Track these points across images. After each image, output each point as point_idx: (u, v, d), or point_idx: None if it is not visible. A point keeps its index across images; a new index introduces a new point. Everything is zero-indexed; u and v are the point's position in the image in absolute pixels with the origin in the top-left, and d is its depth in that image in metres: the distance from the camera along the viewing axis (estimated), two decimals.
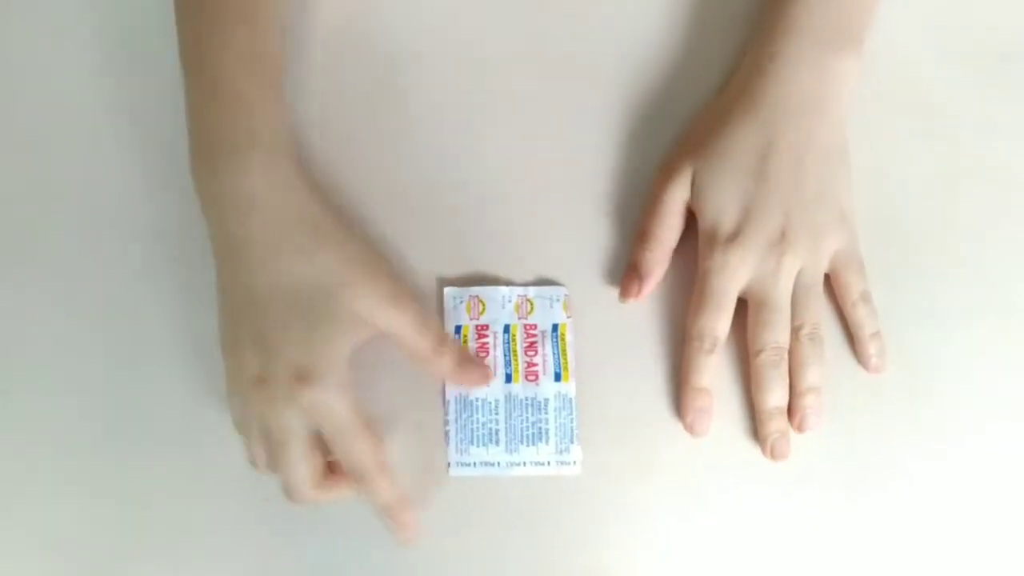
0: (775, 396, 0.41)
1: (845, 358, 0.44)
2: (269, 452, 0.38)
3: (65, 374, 0.43)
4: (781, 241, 0.40)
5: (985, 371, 0.44)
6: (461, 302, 0.44)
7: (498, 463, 0.42)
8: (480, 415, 0.42)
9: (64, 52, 0.46)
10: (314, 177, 0.41)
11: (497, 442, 0.42)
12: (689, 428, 0.41)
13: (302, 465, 0.37)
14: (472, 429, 0.42)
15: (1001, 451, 0.43)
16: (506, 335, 0.43)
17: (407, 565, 0.42)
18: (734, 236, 0.40)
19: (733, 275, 0.40)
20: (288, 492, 0.38)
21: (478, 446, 0.42)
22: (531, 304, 0.44)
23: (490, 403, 0.42)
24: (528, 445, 0.42)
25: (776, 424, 0.41)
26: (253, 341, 0.37)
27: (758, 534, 0.42)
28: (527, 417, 0.42)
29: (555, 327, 0.43)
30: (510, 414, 0.42)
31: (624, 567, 0.42)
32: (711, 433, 0.42)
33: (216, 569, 0.42)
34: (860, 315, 0.42)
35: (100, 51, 0.46)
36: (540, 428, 0.42)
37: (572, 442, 0.42)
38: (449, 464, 0.42)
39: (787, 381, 0.41)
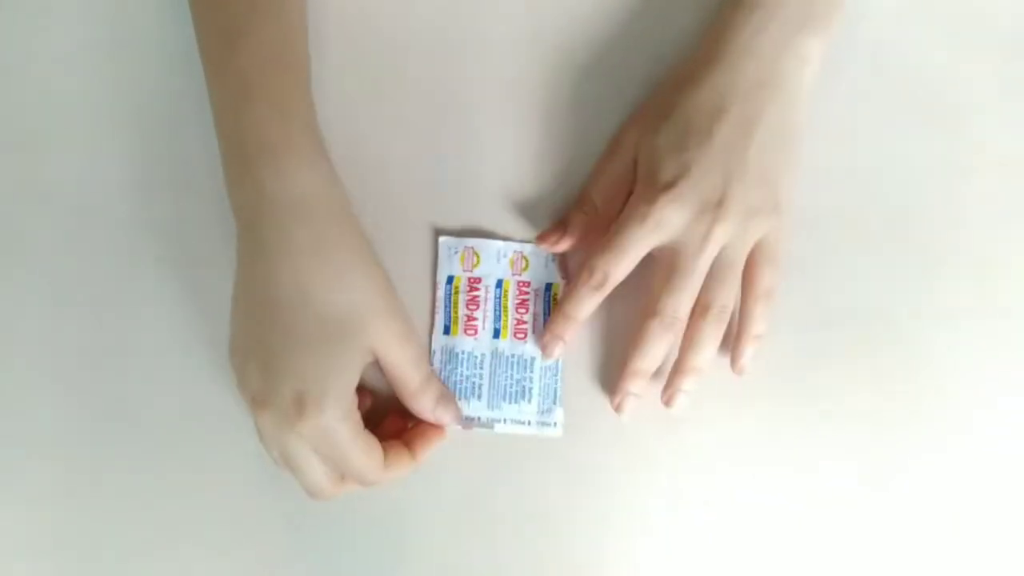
0: (649, 360, 0.40)
1: (848, 353, 0.44)
2: (281, 459, 0.38)
3: (60, 373, 0.43)
4: (717, 207, 0.38)
5: (991, 365, 0.44)
6: (455, 252, 0.43)
7: (478, 418, 0.42)
8: (464, 368, 0.42)
9: (57, 50, 0.45)
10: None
11: (479, 396, 0.42)
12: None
13: (314, 473, 0.37)
14: (455, 381, 0.42)
15: (1003, 446, 0.43)
16: (498, 289, 0.43)
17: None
18: (670, 186, 0.38)
19: (656, 227, 0.38)
20: (308, 494, 0.39)
21: (460, 399, 0.42)
22: (526, 261, 0.43)
23: (476, 357, 0.42)
24: (510, 403, 0.42)
25: (636, 385, 0.40)
26: (259, 357, 0.36)
27: (739, 506, 0.43)
28: (511, 375, 0.42)
29: (548, 287, 0.43)
30: (495, 370, 0.42)
31: (599, 534, 0.43)
32: (696, 407, 0.42)
33: (218, 568, 0.43)
34: (757, 312, 0.41)
35: (94, 49, 0.45)
36: (524, 387, 0.42)
37: (555, 404, 0.42)
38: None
39: (669, 349, 0.40)
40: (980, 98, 0.45)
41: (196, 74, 0.41)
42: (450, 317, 0.43)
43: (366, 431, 0.38)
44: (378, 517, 0.42)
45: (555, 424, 0.42)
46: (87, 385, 0.43)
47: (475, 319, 0.43)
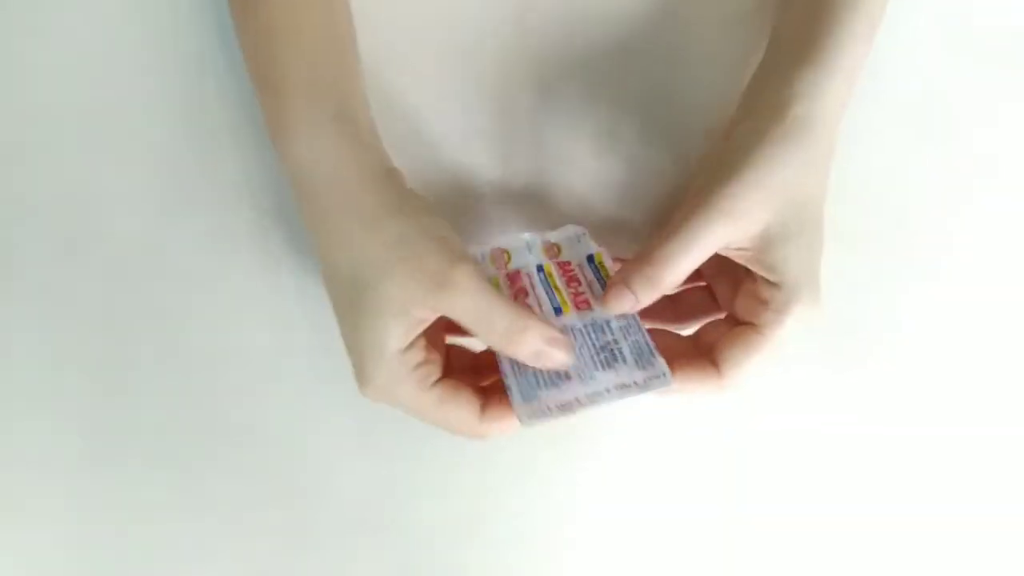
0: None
1: (839, 359, 0.44)
2: None
3: (54, 388, 0.44)
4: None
5: (988, 371, 0.44)
6: (484, 257, 0.41)
7: (576, 399, 0.36)
8: None
9: (45, 54, 0.45)
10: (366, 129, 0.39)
11: (567, 377, 0.36)
12: None
13: (443, 423, 0.37)
14: (535, 374, 0.36)
15: (1001, 452, 0.44)
16: (541, 274, 0.40)
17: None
18: (809, 301, 0.37)
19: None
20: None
21: (548, 388, 0.36)
22: (558, 247, 0.41)
23: None
24: (605, 370, 0.36)
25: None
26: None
27: (734, 509, 0.44)
28: (592, 343, 0.37)
29: (590, 257, 0.41)
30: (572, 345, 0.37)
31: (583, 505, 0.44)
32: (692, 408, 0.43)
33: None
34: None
35: (86, 52, 0.45)
36: (611, 350, 0.37)
37: (653, 355, 0.37)
38: (519, 418, 0.36)
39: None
40: (974, 107, 0.45)
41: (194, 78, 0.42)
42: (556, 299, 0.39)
43: (443, 385, 0.36)
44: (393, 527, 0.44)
45: (664, 375, 0.36)
46: (82, 401, 0.44)
47: (528, 307, 0.38)
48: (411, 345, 0.35)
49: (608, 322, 0.38)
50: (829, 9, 0.38)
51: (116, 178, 0.44)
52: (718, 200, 0.35)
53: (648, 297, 0.36)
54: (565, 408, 0.35)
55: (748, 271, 0.38)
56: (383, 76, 0.43)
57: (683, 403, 0.43)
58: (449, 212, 0.42)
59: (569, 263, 0.40)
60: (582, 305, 0.38)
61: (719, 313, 0.41)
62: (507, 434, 0.37)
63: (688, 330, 0.41)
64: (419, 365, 0.36)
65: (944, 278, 0.45)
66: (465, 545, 0.45)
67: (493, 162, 0.44)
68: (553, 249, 0.41)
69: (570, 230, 0.41)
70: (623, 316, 0.38)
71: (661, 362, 0.36)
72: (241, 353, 0.44)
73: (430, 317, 0.35)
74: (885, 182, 0.44)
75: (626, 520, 0.45)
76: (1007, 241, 0.45)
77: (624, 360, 0.37)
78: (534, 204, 0.44)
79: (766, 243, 0.36)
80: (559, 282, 0.39)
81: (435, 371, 0.37)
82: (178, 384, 0.44)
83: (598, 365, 0.36)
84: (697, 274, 0.39)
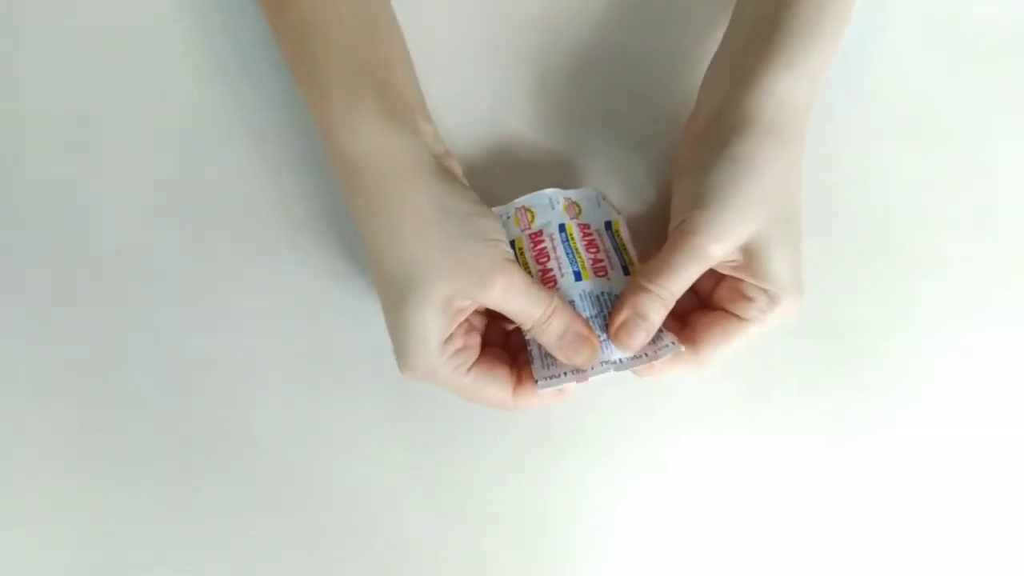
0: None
1: (831, 361, 0.44)
2: None
3: (45, 392, 0.44)
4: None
5: (973, 373, 0.44)
6: (508, 218, 0.41)
7: (591, 367, 0.38)
8: None
9: (33, 59, 0.45)
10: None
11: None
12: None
13: (479, 401, 0.39)
14: None
15: (987, 452, 0.44)
16: (563, 234, 0.41)
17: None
18: (794, 299, 0.38)
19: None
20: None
21: None
22: (578, 207, 0.42)
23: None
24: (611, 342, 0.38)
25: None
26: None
27: (722, 510, 0.44)
28: (607, 312, 0.39)
29: (608, 224, 0.42)
30: (590, 314, 0.39)
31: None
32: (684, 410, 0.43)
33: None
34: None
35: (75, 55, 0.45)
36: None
37: (660, 328, 0.38)
38: (537, 381, 0.38)
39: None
40: (959, 107, 0.45)
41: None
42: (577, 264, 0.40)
43: (479, 368, 0.39)
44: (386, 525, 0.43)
45: (672, 343, 0.38)
46: (73, 406, 0.43)
47: (550, 271, 0.40)
48: (451, 336, 0.37)
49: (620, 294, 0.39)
50: (795, 7, 0.38)
51: (105, 182, 0.44)
52: (698, 237, 0.36)
53: (659, 318, 0.38)
54: (579, 374, 0.37)
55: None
56: None
57: (681, 405, 0.44)
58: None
59: (588, 226, 0.41)
60: (600, 272, 0.40)
61: (696, 302, 0.42)
62: (538, 408, 0.39)
63: None
64: (458, 352, 0.38)
65: (930, 276, 0.45)
66: (459, 548, 0.44)
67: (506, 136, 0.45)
68: (574, 208, 0.42)
69: (590, 191, 0.42)
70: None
71: (668, 333, 0.38)
72: (232, 357, 0.44)
73: (473, 309, 0.38)
74: (867, 180, 0.45)
75: (623, 521, 0.44)
76: (989, 238, 0.45)
77: None
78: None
79: (751, 255, 0.37)
80: (579, 244, 0.40)
81: (472, 355, 0.39)
82: (169, 388, 0.44)
83: (606, 342, 0.38)
84: None
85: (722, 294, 0.40)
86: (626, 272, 0.40)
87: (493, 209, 0.40)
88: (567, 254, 0.40)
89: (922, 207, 0.45)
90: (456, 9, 0.45)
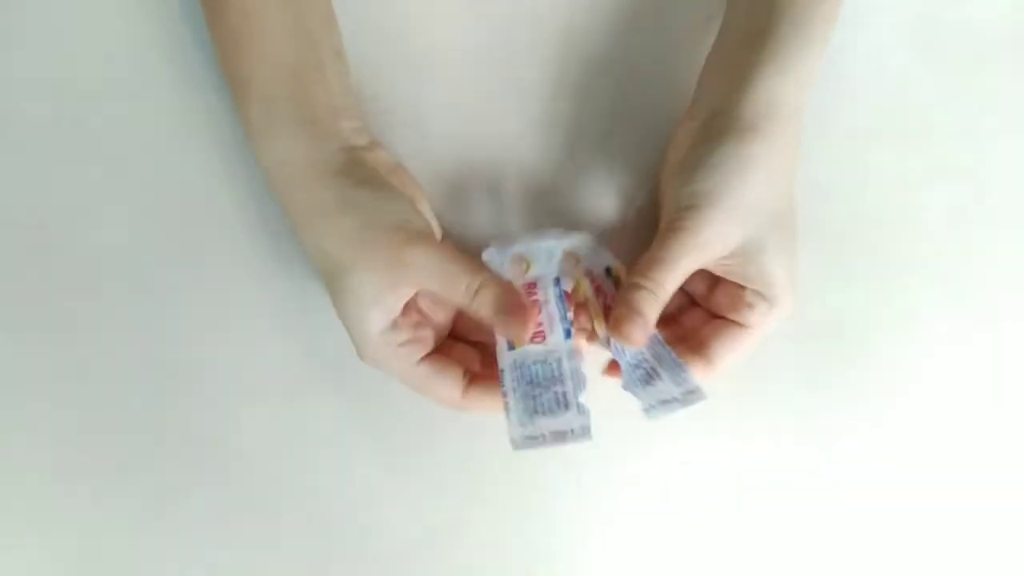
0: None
1: (816, 362, 0.45)
2: None
3: (31, 398, 0.43)
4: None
5: (958, 372, 0.45)
6: (503, 265, 0.40)
7: (571, 430, 0.36)
8: (541, 379, 0.37)
9: (18, 61, 0.44)
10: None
11: (566, 406, 0.37)
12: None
13: (427, 395, 0.40)
14: (534, 396, 0.37)
15: (976, 450, 0.45)
16: (557, 288, 0.40)
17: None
18: (784, 302, 0.39)
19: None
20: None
21: (543, 415, 0.37)
22: (576, 257, 0.41)
23: (550, 365, 0.38)
24: (644, 386, 0.38)
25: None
26: None
27: (710, 512, 0.45)
28: (628, 360, 0.38)
29: (608, 270, 0.41)
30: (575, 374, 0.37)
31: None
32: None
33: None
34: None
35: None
36: (644, 368, 0.38)
37: (684, 371, 0.38)
38: (512, 440, 0.36)
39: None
40: (943, 107, 0.45)
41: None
42: None
43: (430, 361, 0.39)
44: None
45: (698, 390, 0.37)
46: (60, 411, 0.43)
47: (540, 323, 0.39)
48: (395, 325, 0.38)
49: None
50: (786, 7, 0.38)
51: (91, 188, 0.44)
52: (687, 236, 0.37)
53: (655, 315, 0.37)
54: (558, 437, 0.36)
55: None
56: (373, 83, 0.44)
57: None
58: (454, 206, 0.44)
59: (592, 271, 0.41)
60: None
61: (694, 308, 0.42)
62: (488, 412, 0.40)
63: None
64: (405, 343, 0.38)
65: (915, 276, 0.45)
66: (451, 551, 0.44)
67: (495, 161, 0.45)
68: (571, 259, 0.41)
69: (585, 238, 0.41)
70: (651, 337, 0.38)
71: (692, 376, 0.37)
72: (216, 361, 0.44)
73: (403, 296, 0.38)
74: (851, 182, 0.45)
75: (618, 525, 0.45)
76: (973, 238, 0.45)
77: (660, 376, 0.38)
78: (537, 204, 0.45)
79: (745, 258, 0.38)
80: (590, 293, 0.40)
81: (422, 348, 0.39)
82: (155, 394, 0.43)
83: (636, 382, 0.37)
84: None
85: (722, 301, 0.40)
86: None
87: (485, 252, 0.41)
88: (560, 310, 0.39)
89: (906, 208, 0.45)
90: (450, 15, 0.45)
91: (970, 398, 0.45)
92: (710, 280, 0.41)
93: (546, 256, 0.40)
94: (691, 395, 0.37)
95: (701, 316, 0.41)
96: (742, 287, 0.39)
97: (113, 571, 0.43)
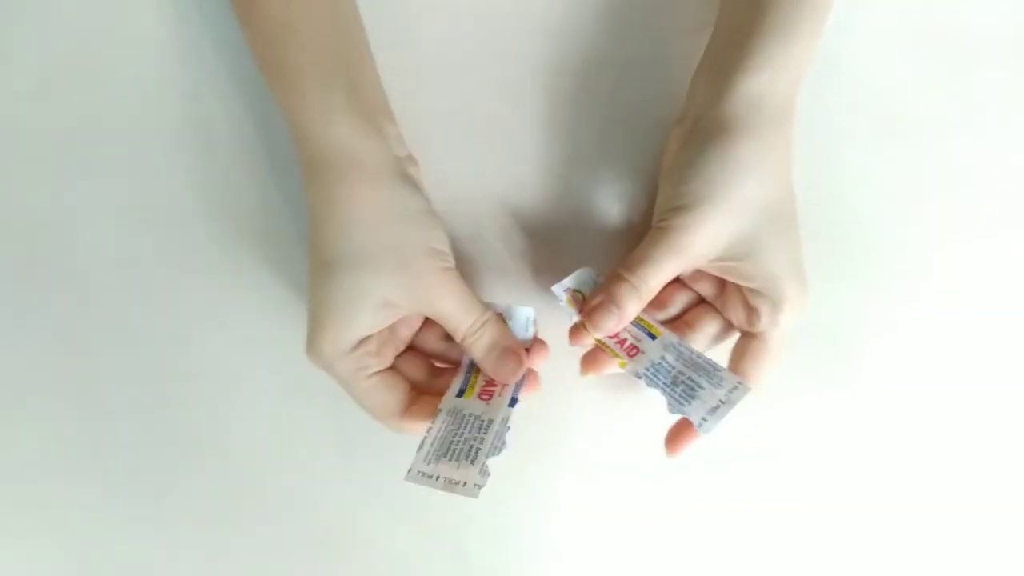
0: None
1: (813, 364, 0.45)
2: None
3: (24, 403, 0.44)
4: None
5: (949, 372, 0.45)
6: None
7: (464, 483, 0.36)
8: (466, 430, 0.38)
9: (8, 69, 0.45)
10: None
11: (473, 461, 0.36)
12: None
13: (365, 407, 0.40)
14: (451, 440, 0.37)
15: (970, 450, 0.45)
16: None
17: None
18: (797, 296, 0.38)
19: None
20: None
21: (447, 460, 0.37)
22: (581, 294, 0.41)
23: (482, 422, 0.38)
24: (689, 402, 0.37)
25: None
26: None
27: (701, 510, 0.45)
28: (662, 382, 0.38)
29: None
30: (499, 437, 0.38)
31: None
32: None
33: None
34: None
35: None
36: (682, 381, 0.38)
37: (718, 369, 0.38)
38: (409, 469, 0.37)
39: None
40: (939, 111, 0.46)
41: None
42: (467, 383, 0.41)
43: (380, 378, 0.39)
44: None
45: (740, 384, 0.38)
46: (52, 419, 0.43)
47: (493, 385, 0.40)
48: (371, 337, 0.38)
49: (663, 357, 0.39)
50: (775, 8, 0.38)
51: (82, 193, 0.44)
52: (674, 235, 0.37)
53: (634, 309, 0.38)
54: (449, 484, 0.36)
55: (736, 284, 0.39)
56: None
57: (663, 412, 0.43)
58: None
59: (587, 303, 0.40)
60: (632, 352, 0.40)
61: (732, 332, 0.41)
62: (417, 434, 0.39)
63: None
64: (368, 355, 0.39)
65: (909, 278, 0.46)
66: (440, 559, 0.44)
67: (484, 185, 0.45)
68: (577, 296, 0.41)
69: (584, 274, 0.41)
70: (670, 346, 0.39)
71: (728, 373, 0.38)
72: (213, 369, 0.44)
73: (400, 312, 0.38)
74: (844, 184, 0.45)
75: (607, 531, 0.45)
76: (968, 240, 0.46)
77: (699, 385, 0.38)
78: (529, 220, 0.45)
79: (741, 256, 0.37)
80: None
81: (378, 365, 0.39)
82: (150, 400, 0.44)
83: (681, 401, 0.37)
84: (700, 296, 0.42)
85: (735, 315, 0.40)
86: (652, 337, 0.40)
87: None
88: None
89: (899, 210, 0.45)
90: (447, 20, 0.45)
91: (969, 400, 0.45)
92: (717, 283, 0.41)
93: (524, 324, 0.41)
94: (736, 391, 0.37)
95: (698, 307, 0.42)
96: (746, 295, 0.39)
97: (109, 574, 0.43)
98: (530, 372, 0.41)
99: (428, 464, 0.37)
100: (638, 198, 0.45)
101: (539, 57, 0.45)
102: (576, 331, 0.40)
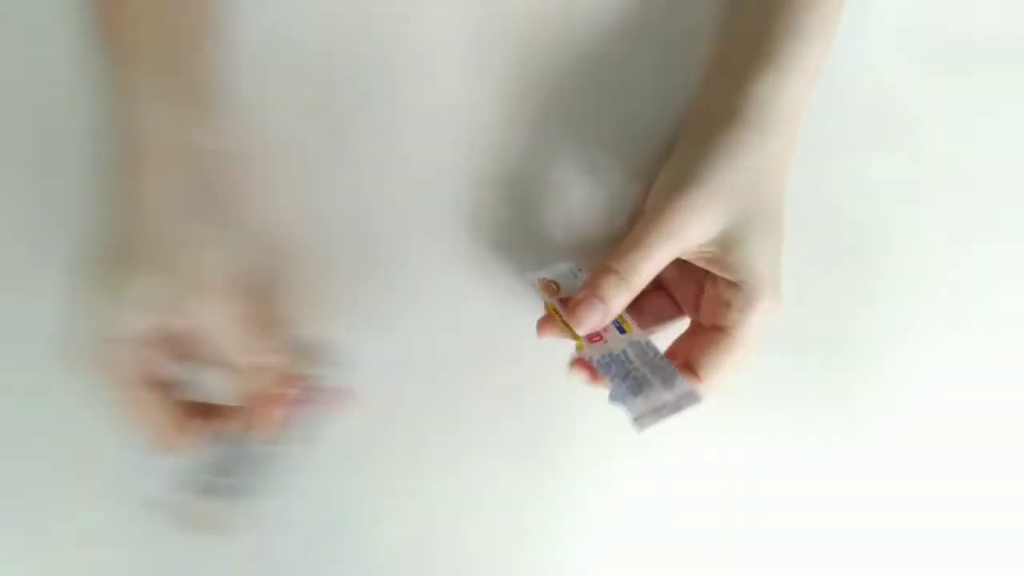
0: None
1: (809, 370, 0.45)
2: None
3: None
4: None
5: (949, 378, 0.45)
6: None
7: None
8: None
9: None
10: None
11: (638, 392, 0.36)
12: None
13: (134, 414, 0.37)
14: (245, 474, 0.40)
15: (973, 456, 0.45)
16: None
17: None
18: (771, 299, 0.37)
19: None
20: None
21: (627, 400, 0.36)
22: (556, 285, 0.41)
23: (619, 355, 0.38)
24: (635, 396, 0.37)
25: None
26: None
27: (708, 520, 0.45)
28: (615, 373, 0.38)
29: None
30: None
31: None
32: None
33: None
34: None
35: None
36: (634, 376, 0.38)
37: (677, 374, 0.37)
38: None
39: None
40: (932, 112, 0.46)
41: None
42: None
43: (153, 388, 0.36)
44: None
45: (692, 392, 0.37)
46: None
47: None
48: (147, 340, 0.35)
49: (624, 351, 0.38)
50: (785, 9, 0.38)
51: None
52: (669, 217, 0.36)
53: (620, 303, 0.37)
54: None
55: (709, 275, 0.38)
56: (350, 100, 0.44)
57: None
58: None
59: (571, 299, 0.40)
60: (595, 339, 0.38)
61: (681, 316, 0.41)
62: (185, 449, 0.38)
63: (654, 334, 0.41)
64: (139, 358, 0.35)
65: (908, 282, 0.46)
66: (440, 559, 0.44)
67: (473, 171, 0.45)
68: (552, 287, 0.41)
69: (563, 267, 0.42)
70: (636, 343, 0.38)
71: (684, 380, 0.37)
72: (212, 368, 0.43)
73: (178, 316, 0.35)
74: (844, 188, 0.45)
75: (593, 534, 0.45)
76: (966, 244, 0.46)
77: (651, 383, 0.37)
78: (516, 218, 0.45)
79: (724, 246, 0.37)
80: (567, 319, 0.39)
81: (151, 373, 0.36)
82: None
83: (626, 392, 0.36)
84: (657, 280, 0.39)
85: (705, 309, 0.39)
86: (621, 331, 0.39)
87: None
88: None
89: (898, 214, 0.45)
90: (443, 17, 0.45)
91: (968, 404, 0.45)
92: (695, 287, 0.40)
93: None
94: (685, 399, 0.36)
95: (688, 337, 0.40)
96: (720, 288, 0.38)
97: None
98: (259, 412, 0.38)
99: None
100: (638, 199, 0.44)
101: (539, 57, 0.45)
102: (542, 323, 0.39)
